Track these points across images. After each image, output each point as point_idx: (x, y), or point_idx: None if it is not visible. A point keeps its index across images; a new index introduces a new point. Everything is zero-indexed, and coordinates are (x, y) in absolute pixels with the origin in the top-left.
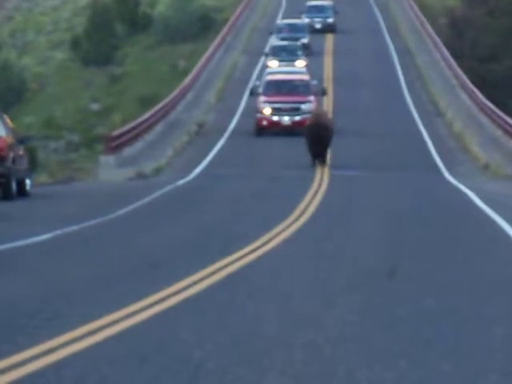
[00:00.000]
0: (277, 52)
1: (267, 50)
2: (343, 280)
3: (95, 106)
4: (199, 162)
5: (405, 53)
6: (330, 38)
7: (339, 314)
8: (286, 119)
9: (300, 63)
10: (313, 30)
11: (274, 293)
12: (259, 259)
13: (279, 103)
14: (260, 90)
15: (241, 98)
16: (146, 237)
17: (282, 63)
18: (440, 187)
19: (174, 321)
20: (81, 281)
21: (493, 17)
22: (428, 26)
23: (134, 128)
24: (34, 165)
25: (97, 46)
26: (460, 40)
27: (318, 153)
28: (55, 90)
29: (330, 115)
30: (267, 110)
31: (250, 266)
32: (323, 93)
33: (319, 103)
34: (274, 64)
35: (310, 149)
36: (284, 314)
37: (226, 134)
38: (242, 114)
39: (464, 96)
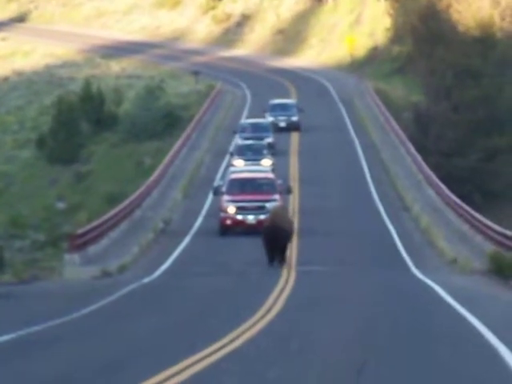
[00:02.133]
0: (242, 151)
1: (232, 149)
2: (313, 378)
3: (61, 205)
4: (165, 260)
5: (370, 148)
6: (295, 137)
7: None
8: (251, 218)
9: (266, 162)
10: (277, 129)
11: None
12: (225, 358)
13: (243, 202)
14: (224, 188)
15: (206, 195)
16: (109, 337)
17: (248, 162)
18: (407, 282)
19: None
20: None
21: (457, 112)
22: (393, 122)
23: (98, 226)
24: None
25: (62, 144)
26: (425, 135)
27: (274, 254)
28: (21, 189)
29: (290, 213)
30: (231, 209)
31: (215, 365)
32: (289, 191)
33: (285, 202)
34: (239, 163)
35: (265, 250)
36: None
37: (192, 232)
38: (208, 212)
39: (430, 190)
